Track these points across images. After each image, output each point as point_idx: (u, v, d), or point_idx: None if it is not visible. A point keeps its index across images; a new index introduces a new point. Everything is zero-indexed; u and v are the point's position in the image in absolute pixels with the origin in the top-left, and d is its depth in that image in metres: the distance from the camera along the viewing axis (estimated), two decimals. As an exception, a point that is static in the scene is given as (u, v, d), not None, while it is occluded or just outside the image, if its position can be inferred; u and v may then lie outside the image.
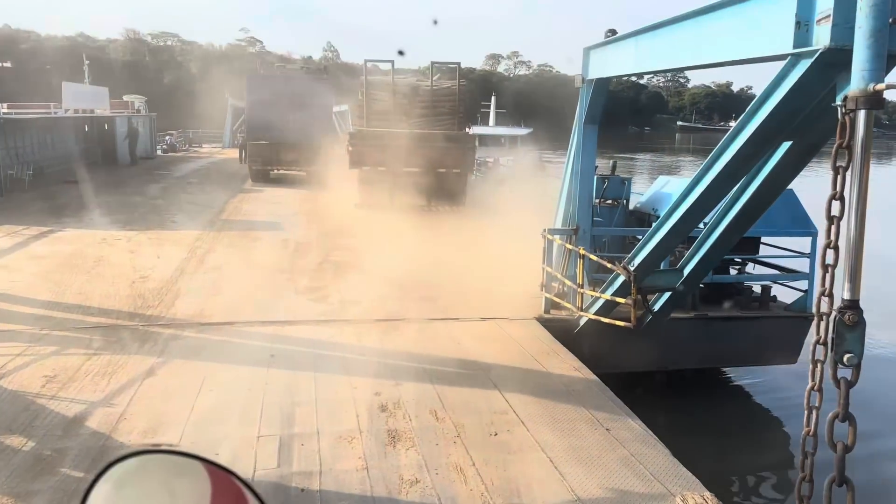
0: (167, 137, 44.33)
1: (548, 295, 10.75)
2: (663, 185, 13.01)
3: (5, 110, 24.91)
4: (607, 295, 8.73)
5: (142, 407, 6.87)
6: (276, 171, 28.45)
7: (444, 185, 20.28)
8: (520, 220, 20.14)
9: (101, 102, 32.15)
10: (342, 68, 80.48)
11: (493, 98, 38.29)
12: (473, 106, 39.63)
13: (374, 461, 5.87)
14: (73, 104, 28.09)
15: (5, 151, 23.07)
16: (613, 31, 9.83)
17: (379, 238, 16.78)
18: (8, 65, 77.49)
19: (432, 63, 21.99)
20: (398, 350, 8.93)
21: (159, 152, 42.56)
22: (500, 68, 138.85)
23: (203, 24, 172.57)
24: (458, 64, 22.21)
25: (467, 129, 23.64)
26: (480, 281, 12.55)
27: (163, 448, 1.13)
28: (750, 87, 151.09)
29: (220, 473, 1.11)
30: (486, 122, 37.82)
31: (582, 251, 9.22)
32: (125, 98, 39.25)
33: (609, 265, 8.71)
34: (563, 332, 10.19)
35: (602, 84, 9.91)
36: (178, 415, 6.62)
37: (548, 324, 10.42)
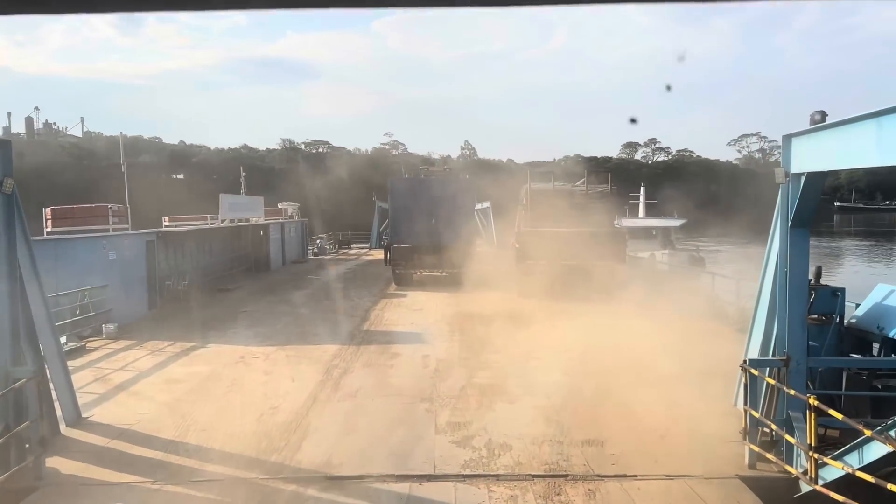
0: (318, 241, 45.44)
1: (752, 446, 8.31)
2: (887, 296, 10.27)
3: (167, 223, 25.86)
4: (859, 471, 6.23)
5: None
6: (419, 274, 27.57)
7: (598, 277, 21.02)
8: (688, 326, 17.62)
9: (256, 211, 33.24)
10: (480, 164, 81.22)
11: (642, 189, 36.02)
12: (622, 198, 37.65)
13: None
14: (229, 214, 28.98)
15: (165, 263, 23.66)
16: (823, 115, 7.75)
17: (526, 350, 14.95)
18: (181, 177, 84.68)
19: (586, 171, 25.90)
20: (565, 530, 6.87)
21: (310, 255, 43.51)
22: (638, 155, 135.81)
23: (350, 132, 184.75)
24: (609, 174, 26.56)
25: (616, 224, 24.58)
26: (653, 413, 10.31)
27: None
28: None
29: None
30: (635, 214, 35.48)
31: (814, 401, 6.81)
32: (280, 205, 40.69)
33: (866, 431, 6.23)
34: (776, 496, 7.73)
35: (815, 179, 7.75)
36: None
37: (755, 484, 7.96)
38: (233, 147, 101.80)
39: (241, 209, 30.73)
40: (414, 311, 20.99)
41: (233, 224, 29.89)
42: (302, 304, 22.85)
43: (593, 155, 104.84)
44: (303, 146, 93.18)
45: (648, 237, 33.86)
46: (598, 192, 24.16)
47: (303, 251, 40.98)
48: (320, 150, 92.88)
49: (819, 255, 61.46)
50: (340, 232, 52.10)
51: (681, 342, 15.98)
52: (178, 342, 16.54)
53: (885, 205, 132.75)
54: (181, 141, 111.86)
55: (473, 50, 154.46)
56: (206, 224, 27.44)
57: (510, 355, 14.54)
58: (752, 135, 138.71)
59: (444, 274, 26.94)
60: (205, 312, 20.93)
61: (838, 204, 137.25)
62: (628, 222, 34.86)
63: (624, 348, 14.79)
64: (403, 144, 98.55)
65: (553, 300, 20.38)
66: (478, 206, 37.46)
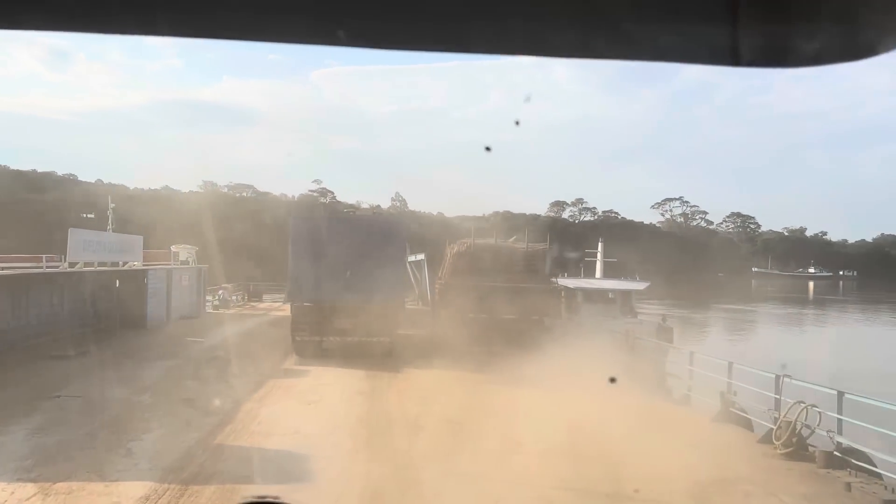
0: (220, 291, 37.79)
1: None
2: None
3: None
4: None
5: None
6: (330, 341, 20.57)
7: (532, 332, 20.48)
8: (708, 439, 11.60)
9: (131, 253, 25.79)
10: (411, 216, 75.25)
11: (600, 245, 30.20)
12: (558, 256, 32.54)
13: None
14: (85, 256, 21.56)
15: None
16: None
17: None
18: (91, 216, 75.64)
19: (526, 230, 25.82)
20: None
21: (209, 308, 35.88)
22: (565, 214, 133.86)
23: (278, 177, 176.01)
24: (548, 235, 26.08)
25: (554, 280, 24.35)
26: None
27: (267, 501, 1.05)
28: (825, 233, 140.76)
29: None
30: (591, 273, 29.64)
31: None
32: (173, 248, 33.20)
33: None
34: None
35: None
36: None
37: None
38: (153, 188, 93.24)
39: (104, 250, 23.28)
40: (308, 404, 14.01)
41: (91, 269, 22.43)
42: (151, 385, 15.62)
43: (522, 212, 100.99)
44: (225, 189, 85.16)
45: (606, 301, 28.07)
46: (536, 250, 23.88)
47: (198, 304, 33.36)
48: (244, 193, 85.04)
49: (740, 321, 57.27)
50: (252, 282, 44.52)
51: (717, 478, 9.82)
52: None
53: (799, 272, 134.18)
54: (98, 180, 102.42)
55: (409, 105, 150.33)
56: (39, 267, 19.90)
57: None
58: (675, 199, 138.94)
59: (363, 341, 20.17)
60: (-5, 397, 13.59)
61: (756, 269, 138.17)
62: (582, 282, 29.12)
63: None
64: (332, 192, 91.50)
65: (503, 381, 14.52)
66: (411, 258, 31.06)
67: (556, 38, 1.04)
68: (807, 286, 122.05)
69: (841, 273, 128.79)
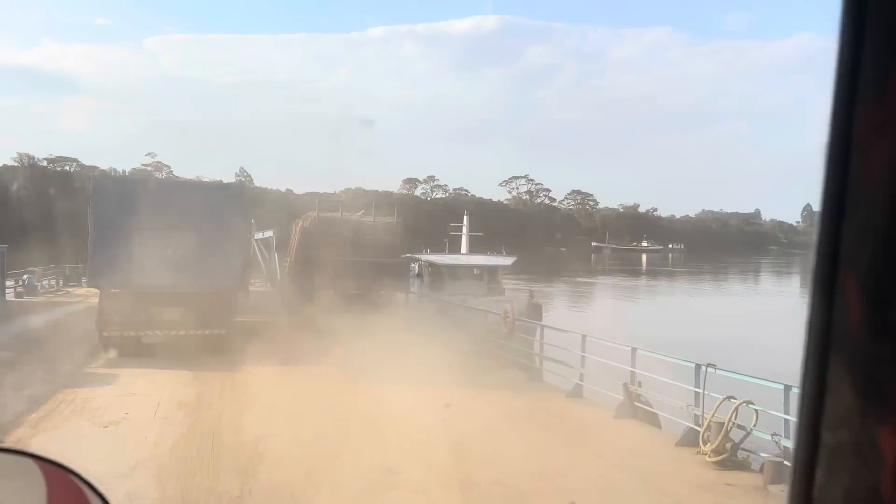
0: (25, 276, 31.52)
1: None
2: None
3: None
4: None
5: None
6: (150, 335, 16.45)
7: (383, 304, 20.36)
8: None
9: None
10: (258, 193, 69.96)
11: (465, 218, 27.89)
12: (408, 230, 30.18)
13: None
14: None
15: None
16: None
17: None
18: None
19: (373, 203, 25.09)
20: None
21: (11, 296, 29.76)
22: (417, 192, 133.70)
23: (108, 151, 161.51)
24: (395, 206, 26.70)
25: (406, 255, 24.31)
26: None
27: (6, 447, 0.98)
28: (655, 209, 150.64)
29: (55, 471, 0.97)
30: (456, 248, 27.30)
31: None
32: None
33: None
34: None
35: None
36: None
37: None
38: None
39: None
40: (105, 426, 10.17)
41: None
42: None
43: (374, 188, 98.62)
44: (45, 163, 74.62)
45: (472, 277, 25.96)
46: (385, 223, 23.24)
47: (-6, 291, 27.34)
48: (66, 167, 75.00)
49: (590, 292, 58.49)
50: (69, 265, 38.04)
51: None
52: None
53: (633, 245, 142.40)
54: None
55: (254, 77, 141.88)
56: None
57: None
58: (521, 177, 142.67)
59: (193, 334, 16.33)
60: None
61: (595, 244, 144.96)
62: (447, 258, 26.81)
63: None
64: (169, 167, 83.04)
65: (363, 378, 11.99)
66: (258, 236, 27.54)
67: None
68: (640, 259, 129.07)
69: (670, 246, 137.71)
